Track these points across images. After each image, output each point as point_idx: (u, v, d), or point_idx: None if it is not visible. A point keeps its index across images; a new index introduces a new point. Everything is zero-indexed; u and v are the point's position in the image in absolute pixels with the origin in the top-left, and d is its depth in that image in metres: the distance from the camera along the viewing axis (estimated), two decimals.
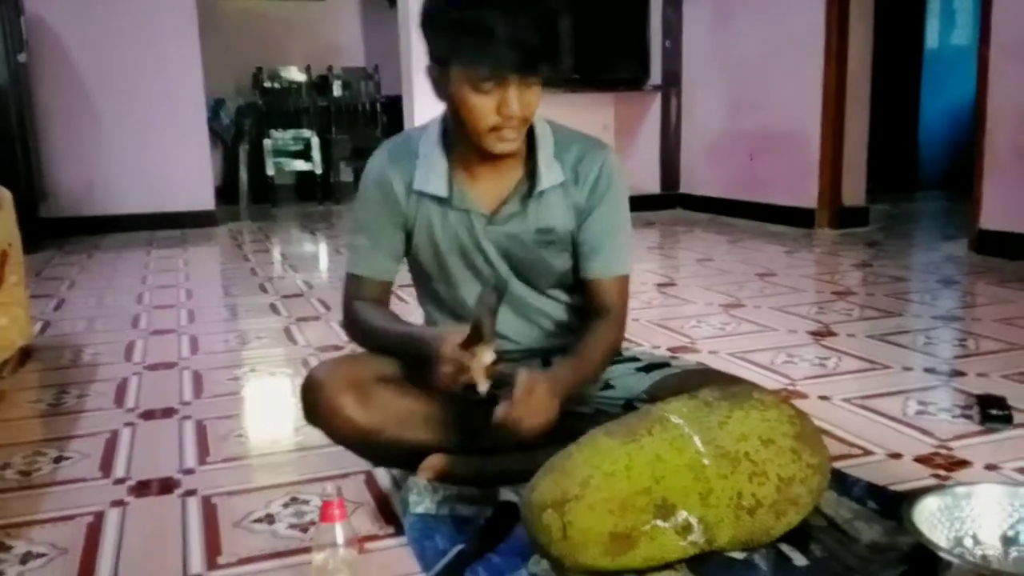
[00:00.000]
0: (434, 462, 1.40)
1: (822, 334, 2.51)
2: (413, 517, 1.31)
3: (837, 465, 1.51)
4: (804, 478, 1.18)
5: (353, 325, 1.52)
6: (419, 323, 1.62)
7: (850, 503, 1.33)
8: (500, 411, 1.24)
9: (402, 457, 1.45)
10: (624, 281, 1.50)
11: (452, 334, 1.27)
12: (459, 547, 1.19)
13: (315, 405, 1.38)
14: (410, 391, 1.41)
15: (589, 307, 1.50)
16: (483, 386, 1.25)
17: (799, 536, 1.22)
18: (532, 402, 1.25)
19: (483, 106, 1.30)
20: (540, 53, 1.28)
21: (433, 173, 1.43)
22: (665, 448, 1.13)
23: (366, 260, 1.51)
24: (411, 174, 1.45)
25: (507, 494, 1.36)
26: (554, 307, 1.53)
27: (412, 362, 1.38)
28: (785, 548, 1.20)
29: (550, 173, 1.44)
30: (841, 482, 1.39)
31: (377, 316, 1.48)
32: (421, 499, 1.33)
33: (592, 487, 1.09)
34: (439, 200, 1.44)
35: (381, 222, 1.48)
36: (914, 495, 1.22)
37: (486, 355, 1.25)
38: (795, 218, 4.79)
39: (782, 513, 1.17)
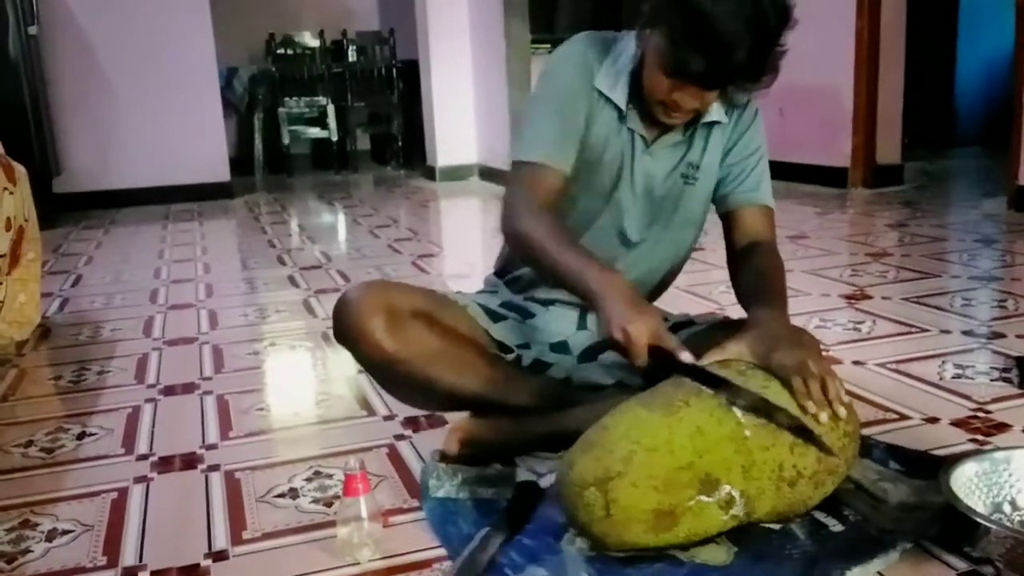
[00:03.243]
0: (461, 425, 1.39)
1: (856, 297, 2.47)
2: (433, 502, 1.28)
3: (872, 431, 1.51)
4: (842, 447, 1.16)
5: (515, 223, 1.33)
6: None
7: (873, 465, 1.31)
8: (808, 407, 1.13)
9: (423, 396, 1.44)
10: (772, 214, 1.46)
11: (657, 313, 1.24)
12: (484, 531, 1.16)
13: (345, 325, 1.35)
14: (443, 330, 1.39)
15: (737, 243, 1.44)
16: (687, 356, 1.17)
17: (830, 502, 1.20)
18: (815, 373, 1.16)
19: (661, 85, 1.27)
20: (739, 76, 1.23)
21: (618, 83, 1.37)
22: (705, 420, 1.10)
23: (549, 143, 1.36)
24: (599, 67, 1.38)
25: (523, 474, 1.34)
26: (661, 257, 1.50)
27: (579, 295, 1.29)
28: (819, 515, 1.19)
29: (717, 108, 1.39)
30: (861, 444, 1.36)
31: (550, 223, 1.31)
32: (441, 483, 1.31)
33: (635, 464, 1.06)
34: (614, 109, 1.39)
35: (575, 101, 1.36)
36: (952, 460, 1.19)
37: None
38: (827, 177, 4.67)
39: (820, 484, 1.15)
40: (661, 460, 1.07)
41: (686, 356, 1.18)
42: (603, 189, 1.43)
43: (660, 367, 1.18)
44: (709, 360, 1.20)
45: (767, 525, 1.17)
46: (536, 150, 1.37)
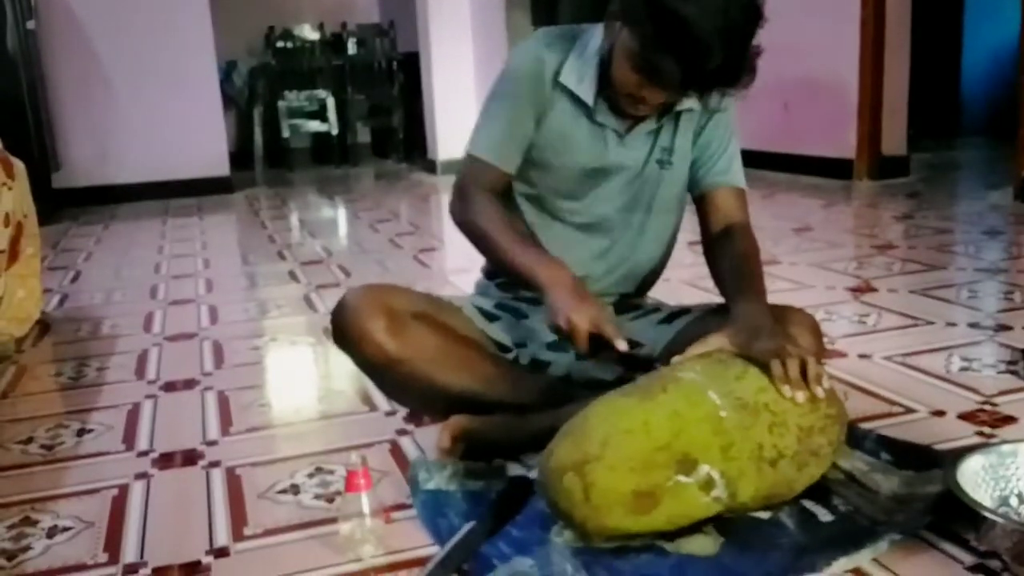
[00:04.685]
0: (454, 420, 1.38)
1: (862, 290, 2.46)
2: (424, 494, 1.27)
3: (878, 424, 1.50)
4: (823, 427, 1.17)
5: (470, 215, 1.42)
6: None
7: (864, 456, 1.32)
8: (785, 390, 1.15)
9: (424, 398, 1.45)
10: (744, 195, 1.47)
11: (597, 305, 1.30)
12: (470, 524, 1.16)
13: (345, 327, 1.36)
14: (442, 331, 1.39)
15: (712, 225, 1.45)
16: (623, 344, 1.26)
17: (820, 491, 1.21)
18: (797, 362, 1.17)
19: (631, 80, 1.27)
20: (713, 81, 1.23)
21: (586, 76, 1.37)
22: (681, 403, 1.11)
23: (494, 144, 1.42)
24: (562, 62, 1.38)
25: (516, 470, 1.34)
26: (647, 245, 1.50)
27: (529, 286, 1.37)
28: (808, 504, 1.20)
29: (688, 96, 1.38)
30: (851, 435, 1.37)
31: (502, 218, 1.40)
32: (430, 476, 1.31)
33: (612, 446, 1.07)
34: (581, 105, 1.39)
35: (523, 107, 1.40)
36: (958, 453, 1.19)
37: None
38: (832, 169, 4.64)
39: (803, 464, 1.16)
40: (638, 442, 1.08)
41: (621, 344, 1.26)
42: (581, 186, 1.43)
43: (600, 350, 1.29)
44: (692, 353, 1.22)
45: (756, 515, 1.17)
46: (484, 148, 1.43)
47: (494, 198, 1.42)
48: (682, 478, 1.08)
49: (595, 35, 1.37)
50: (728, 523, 1.14)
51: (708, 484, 1.09)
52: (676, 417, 1.10)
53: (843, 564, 1.07)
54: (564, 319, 1.26)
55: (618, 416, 1.11)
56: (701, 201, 1.47)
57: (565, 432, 1.13)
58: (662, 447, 1.07)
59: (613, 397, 1.16)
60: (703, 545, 1.11)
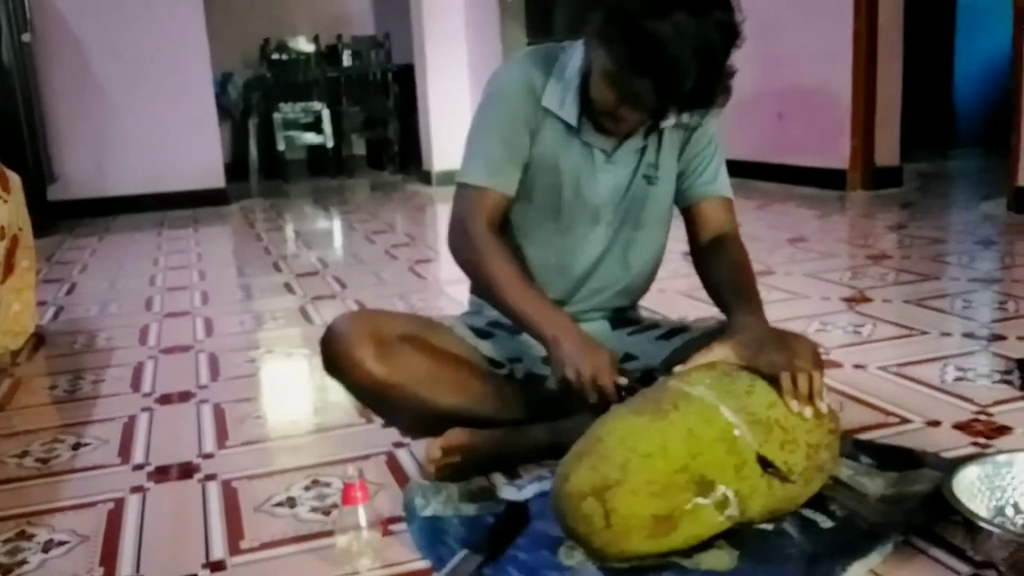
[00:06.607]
0: (454, 436, 1.37)
1: (856, 300, 2.47)
2: (422, 521, 1.24)
3: (874, 435, 1.51)
4: (828, 443, 1.18)
5: (471, 255, 1.37)
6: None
7: (845, 460, 1.32)
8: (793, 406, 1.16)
9: (418, 420, 1.44)
10: (732, 205, 1.46)
11: (607, 353, 1.27)
12: (464, 552, 1.14)
13: (334, 356, 1.36)
14: (432, 352, 1.39)
15: (702, 236, 1.45)
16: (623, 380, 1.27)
17: (816, 498, 1.22)
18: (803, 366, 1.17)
19: (608, 98, 1.26)
20: (689, 102, 1.23)
21: (567, 98, 1.36)
22: (695, 421, 1.10)
23: (493, 168, 1.38)
24: (544, 85, 1.37)
25: (507, 491, 1.33)
26: (636, 260, 1.49)
27: (533, 337, 1.35)
28: (807, 513, 1.20)
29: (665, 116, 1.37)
30: None
31: (505, 261, 1.35)
32: (427, 501, 1.28)
33: (632, 470, 1.05)
34: (566, 126, 1.38)
35: (518, 125, 1.37)
36: (953, 463, 1.20)
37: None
38: (826, 180, 4.66)
39: (810, 480, 1.16)
40: (657, 465, 1.07)
41: (623, 381, 1.26)
42: (570, 205, 1.43)
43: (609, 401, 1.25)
44: (695, 363, 1.21)
45: (760, 526, 1.17)
46: (481, 174, 1.39)
47: (496, 237, 1.37)
48: (700, 500, 1.07)
49: (575, 54, 1.36)
50: (737, 535, 1.14)
51: (723, 504, 1.08)
52: (692, 437, 1.09)
53: (857, 570, 1.08)
54: (573, 372, 1.24)
55: (635, 438, 1.09)
56: (688, 212, 1.47)
57: (579, 455, 1.10)
58: (680, 469, 1.06)
59: (624, 416, 1.14)
60: (720, 560, 1.11)
